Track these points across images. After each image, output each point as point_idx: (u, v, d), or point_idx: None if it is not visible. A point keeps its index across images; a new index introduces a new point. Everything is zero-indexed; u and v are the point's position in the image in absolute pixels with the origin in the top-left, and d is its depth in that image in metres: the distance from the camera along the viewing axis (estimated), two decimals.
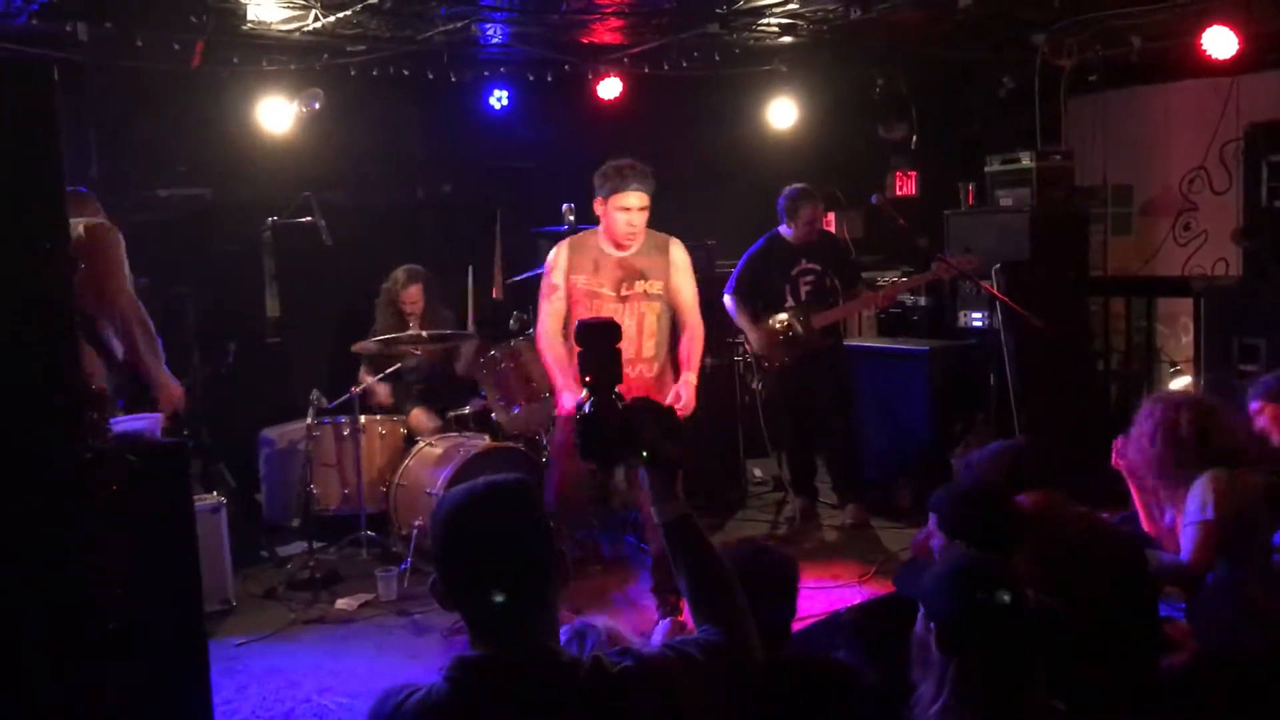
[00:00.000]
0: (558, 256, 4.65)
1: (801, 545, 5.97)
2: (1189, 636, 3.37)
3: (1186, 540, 3.30)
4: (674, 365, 4.75)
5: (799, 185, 6.16)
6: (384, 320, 6.33)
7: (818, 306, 6.10)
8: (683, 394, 4.53)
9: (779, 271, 6.12)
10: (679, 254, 4.70)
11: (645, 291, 4.58)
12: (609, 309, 4.51)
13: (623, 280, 4.57)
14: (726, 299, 6.19)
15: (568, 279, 4.60)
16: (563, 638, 2.36)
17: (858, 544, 5.95)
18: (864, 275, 6.58)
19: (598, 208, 4.55)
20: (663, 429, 2.00)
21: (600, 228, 4.61)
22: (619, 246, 4.57)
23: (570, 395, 4.51)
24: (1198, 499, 3.29)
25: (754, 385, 6.22)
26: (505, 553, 1.84)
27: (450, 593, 1.88)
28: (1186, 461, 3.37)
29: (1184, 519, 3.33)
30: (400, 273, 6.35)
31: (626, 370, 4.28)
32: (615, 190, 4.45)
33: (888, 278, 6.98)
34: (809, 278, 6.11)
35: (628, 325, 4.48)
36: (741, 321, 6.15)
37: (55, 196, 2.53)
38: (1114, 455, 3.68)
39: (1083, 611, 2.40)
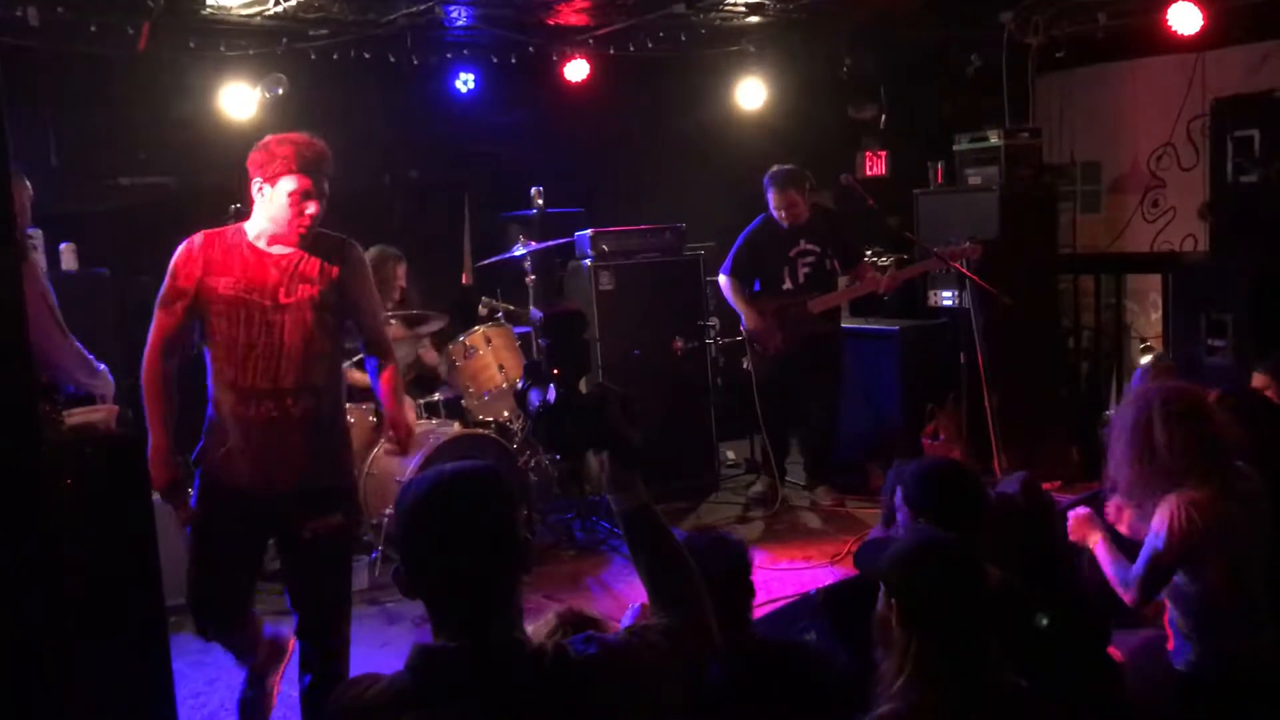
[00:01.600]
0: (188, 254, 3.50)
1: (774, 527, 5.98)
2: (1158, 611, 3.33)
3: (1140, 559, 3.10)
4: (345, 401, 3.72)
5: (775, 168, 6.05)
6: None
7: (817, 290, 6.03)
8: (400, 431, 3.83)
9: (777, 253, 6.03)
10: (357, 256, 3.65)
11: (313, 298, 3.48)
12: (263, 320, 3.44)
13: (282, 284, 3.47)
14: (722, 279, 6.12)
15: (203, 282, 3.47)
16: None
17: (830, 525, 5.96)
18: None
19: (255, 192, 3.49)
20: (626, 417, 1.98)
21: (253, 221, 3.53)
22: (280, 241, 3.51)
23: (159, 461, 3.42)
24: (1158, 520, 3.05)
25: (745, 366, 6.16)
26: (468, 541, 1.81)
27: (413, 581, 1.86)
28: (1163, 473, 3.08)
29: (1148, 535, 3.11)
30: (390, 250, 6.21)
31: (276, 403, 3.41)
32: (282, 172, 3.44)
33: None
34: (808, 259, 6.04)
35: (289, 344, 3.43)
36: (736, 303, 6.08)
37: (1, 183, 2.47)
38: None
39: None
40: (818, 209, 6.25)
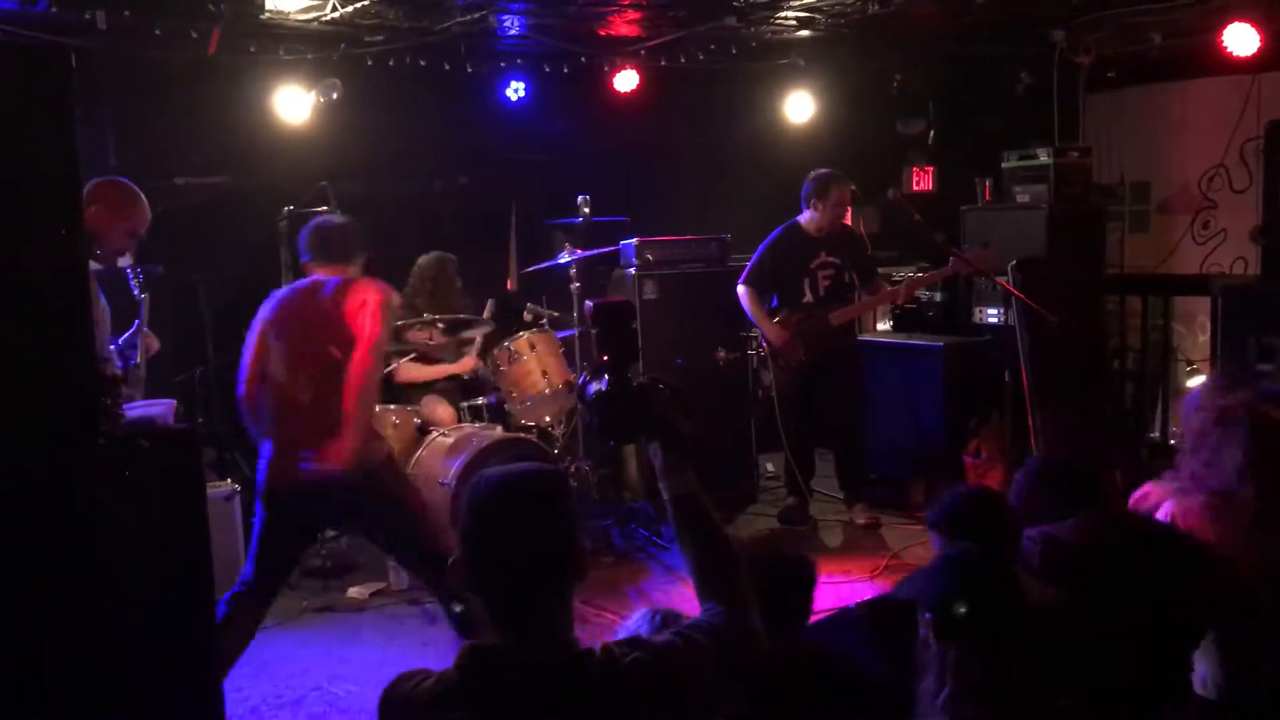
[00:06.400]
0: None
1: (811, 541, 5.97)
2: None
3: None
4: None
5: (826, 169, 6.07)
6: (432, 302, 6.23)
7: (836, 303, 6.02)
8: None
9: (797, 263, 6.02)
10: None
11: None
12: None
13: None
14: (740, 289, 6.08)
15: None
16: (638, 619, 2.37)
17: (870, 539, 5.94)
18: (880, 271, 6.53)
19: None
20: (676, 407, 2.00)
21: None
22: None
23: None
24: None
25: (766, 381, 6.16)
26: (533, 543, 1.83)
27: (472, 577, 1.88)
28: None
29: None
30: (449, 256, 6.30)
31: None
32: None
33: (903, 273, 6.94)
34: (828, 271, 6.03)
35: None
36: (756, 317, 6.05)
37: (70, 182, 2.54)
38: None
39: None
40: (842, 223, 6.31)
